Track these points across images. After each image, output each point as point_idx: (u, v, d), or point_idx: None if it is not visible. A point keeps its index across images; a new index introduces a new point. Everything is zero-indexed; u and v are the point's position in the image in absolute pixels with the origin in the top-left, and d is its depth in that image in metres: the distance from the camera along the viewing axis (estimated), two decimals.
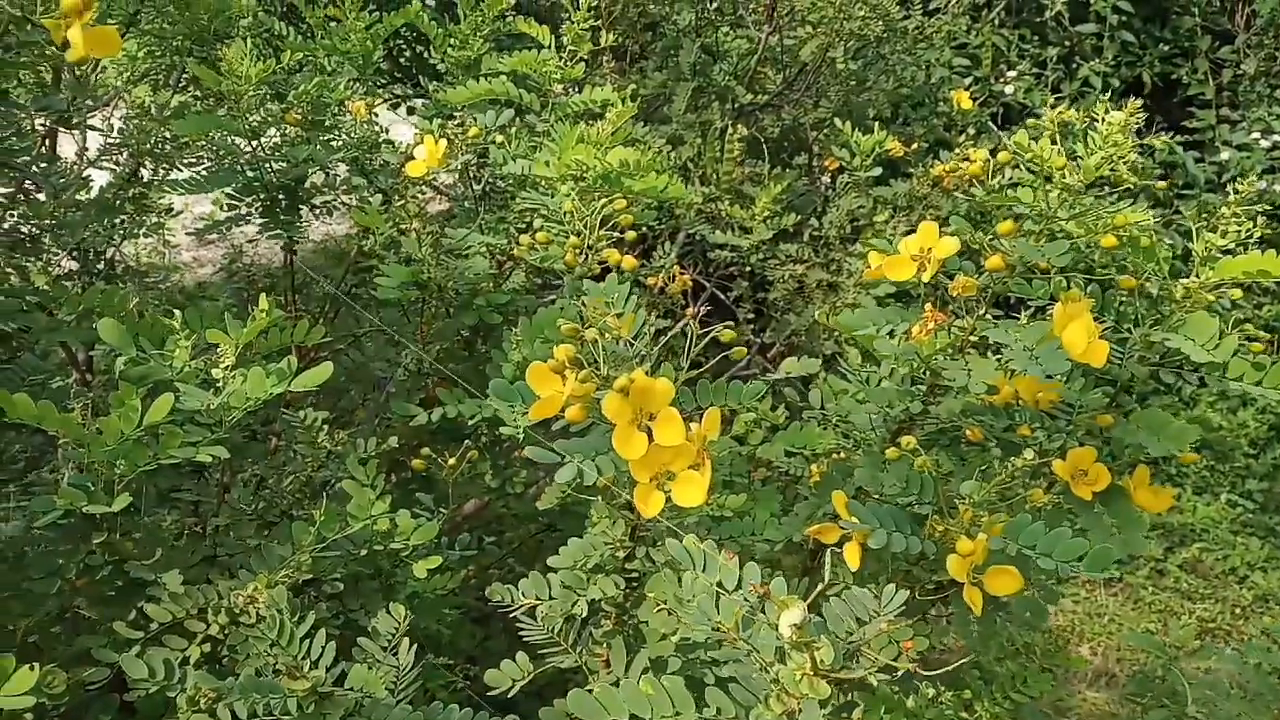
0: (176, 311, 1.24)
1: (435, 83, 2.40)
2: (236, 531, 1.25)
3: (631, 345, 1.12)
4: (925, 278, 1.23)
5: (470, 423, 1.57)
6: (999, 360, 1.27)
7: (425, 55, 3.06)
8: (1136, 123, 1.26)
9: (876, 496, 1.27)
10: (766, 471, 1.69)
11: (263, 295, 1.18)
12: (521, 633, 1.11)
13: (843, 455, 1.58)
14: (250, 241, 2.75)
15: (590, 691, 0.82)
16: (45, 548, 1.13)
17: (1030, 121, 1.34)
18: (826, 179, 3.35)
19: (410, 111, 3.88)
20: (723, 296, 3.13)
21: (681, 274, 1.44)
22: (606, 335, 1.11)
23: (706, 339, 1.15)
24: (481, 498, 1.93)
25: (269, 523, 1.30)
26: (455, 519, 1.88)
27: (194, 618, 1.12)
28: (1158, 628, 3.27)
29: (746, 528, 1.43)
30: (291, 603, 0.94)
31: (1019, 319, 1.31)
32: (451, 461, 1.40)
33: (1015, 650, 1.64)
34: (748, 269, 2.89)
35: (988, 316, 1.30)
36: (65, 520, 1.09)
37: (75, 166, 2.13)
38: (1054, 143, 1.29)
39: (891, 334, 1.35)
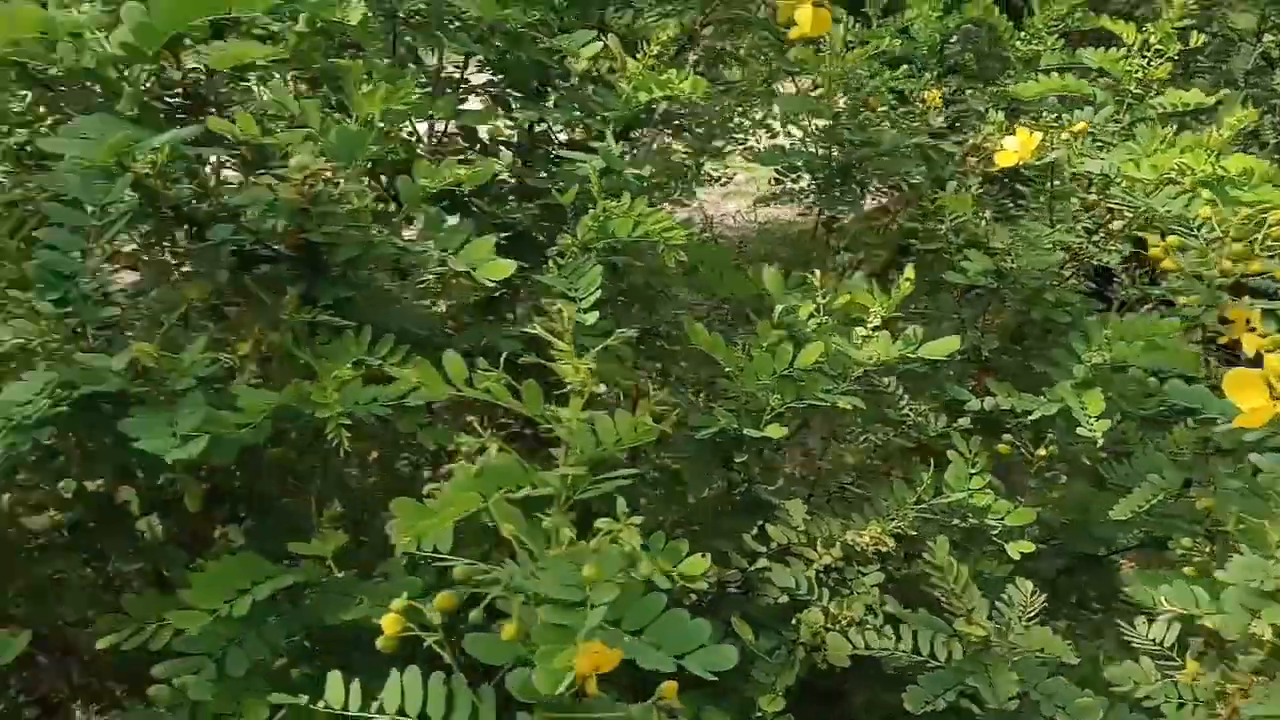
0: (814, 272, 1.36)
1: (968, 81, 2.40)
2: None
3: None
4: None
5: (1031, 418, 1.56)
6: None
7: None
8: None
9: None
10: None
11: (909, 266, 1.26)
12: None
13: None
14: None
15: None
16: (695, 460, 1.31)
17: None
18: None
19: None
20: None
21: None
22: None
23: None
24: None
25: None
26: None
27: (808, 545, 1.24)
28: None
29: None
30: (951, 555, 1.00)
31: None
32: (1041, 452, 1.40)
33: None
34: None
35: None
36: (718, 438, 1.26)
37: None
38: None
39: None
